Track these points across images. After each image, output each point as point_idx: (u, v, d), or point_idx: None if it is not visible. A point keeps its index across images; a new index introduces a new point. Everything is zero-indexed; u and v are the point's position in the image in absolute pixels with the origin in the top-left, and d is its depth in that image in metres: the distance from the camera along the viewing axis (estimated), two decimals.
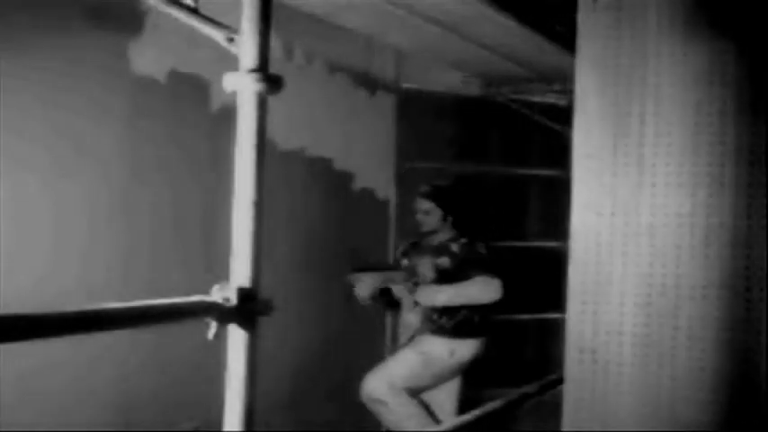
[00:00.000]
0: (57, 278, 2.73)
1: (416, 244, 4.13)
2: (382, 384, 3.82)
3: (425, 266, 3.94)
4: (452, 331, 3.90)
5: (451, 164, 4.98)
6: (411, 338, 3.98)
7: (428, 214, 4.00)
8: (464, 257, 3.90)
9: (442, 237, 4.01)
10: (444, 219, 4.00)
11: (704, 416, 2.04)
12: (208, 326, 1.57)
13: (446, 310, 3.90)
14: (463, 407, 3.93)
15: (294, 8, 3.30)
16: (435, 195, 4.01)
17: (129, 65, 3.03)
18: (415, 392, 3.90)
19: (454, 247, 3.95)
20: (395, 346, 4.24)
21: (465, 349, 3.92)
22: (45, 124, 2.74)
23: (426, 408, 3.96)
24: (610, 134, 2.16)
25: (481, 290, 3.81)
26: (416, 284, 3.92)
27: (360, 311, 4.15)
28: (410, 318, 4.00)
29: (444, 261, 3.93)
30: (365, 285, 3.94)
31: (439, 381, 3.97)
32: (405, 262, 4.09)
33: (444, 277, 3.90)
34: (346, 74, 4.20)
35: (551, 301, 4.13)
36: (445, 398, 4.04)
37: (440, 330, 3.91)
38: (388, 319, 4.54)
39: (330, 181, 4.12)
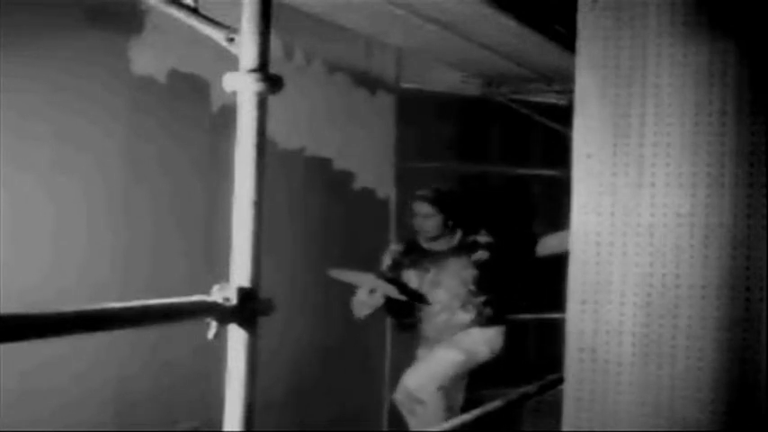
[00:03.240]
0: (57, 278, 2.73)
1: (414, 249, 4.08)
2: (430, 384, 3.82)
3: (457, 273, 3.95)
4: (494, 320, 3.97)
5: (451, 164, 4.98)
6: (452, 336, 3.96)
7: (427, 219, 3.95)
8: (501, 245, 3.98)
9: (453, 240, 4.01)
10: (446, 224, 3.98)
11: (704, 415, 2.04)
12: (208, 326, 1.57)
13: (490, 301, 3.96)
14: (463, 406, 3.94)
15: (294, 8, 3.30)
16: (436, 200, 3.96)
17: (129, 65, 3.03)
18: (448, 391, 3.92)
19: (483, 239, 3.98)
20: (414, 347, 4.13)
21: (499, 339, 3.98)
22: (45, 124, 2.74)
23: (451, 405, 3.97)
24: (610, 134, 2.16)
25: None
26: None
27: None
28: (457, 318, 3.96)
29: (482, 254, 3.96)
30: (366, 290, 3.84)
31: (466, 378, 4.03)
32: (410, 271, 4.04)
33: (486, 269, 3.95)
34: (346, 74, 4.20)
35: (551, 300, 4.13)
36: (459, 395, 4.06)
37: (487, 321, 3.96)
38: (388, 318, 4.53)
39: (330, 181, 4.12)
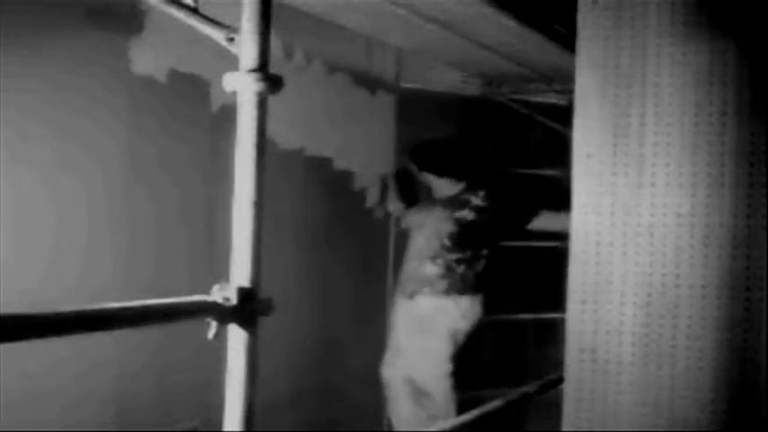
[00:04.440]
0: (58, 278, 2.73)
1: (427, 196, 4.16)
2: (439, 380, 3.84)
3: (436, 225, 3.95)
4: (466, 286, 3.90)
5: None
6: (413, 293, 3.93)
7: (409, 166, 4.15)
8: (494, 209, 3.94)
9: (450, 190, 4.00)
10: (419, 173, 4.10)
11: (704, 415, 2.04)
12: (208, 326, 1.57)
13: (463, 260, 3.91)
14: (463, 407, 3.93)
15: (294, 8, 3.30)
16: (410, 150, 4.18)
17: (129, 65, 3.03)
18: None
19: (475, 201, 3.95)
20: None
21: (475, 309, 3.90)
22: (45, 124, 2.74)
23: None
24: (610, 134, 2.16)
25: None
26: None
27: (360, 310, 4.15)
28: (424, 269, 3.92)
29: (466, 214, 3.93)
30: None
31: None
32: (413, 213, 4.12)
33: (467, 229, 3.90)
34: (346, 74, 4.20)
35: (551, 301, 4.14)
36: None
37: (460, 286, 3.89)
38: (388, 316, 4.53)
39: (330, 180, 4.12)
